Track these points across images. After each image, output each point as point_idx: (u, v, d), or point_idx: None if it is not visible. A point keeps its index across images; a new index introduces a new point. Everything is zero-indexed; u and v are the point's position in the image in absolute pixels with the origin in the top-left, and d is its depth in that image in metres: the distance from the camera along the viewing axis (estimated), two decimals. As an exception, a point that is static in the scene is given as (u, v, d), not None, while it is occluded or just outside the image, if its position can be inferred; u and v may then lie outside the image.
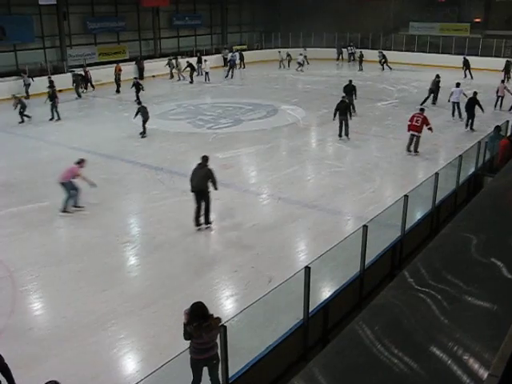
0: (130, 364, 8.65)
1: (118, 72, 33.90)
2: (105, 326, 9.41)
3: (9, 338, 9.16)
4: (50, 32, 37.30)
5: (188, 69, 37.31)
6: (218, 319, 6.90)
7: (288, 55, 43.93)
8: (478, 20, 46.48)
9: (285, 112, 26.76)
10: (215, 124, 24.48)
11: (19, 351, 8.75)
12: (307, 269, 7.67)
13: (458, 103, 23.89)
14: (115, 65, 35.16)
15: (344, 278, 9.21)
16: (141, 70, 38.79)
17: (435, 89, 27.24)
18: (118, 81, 33.57)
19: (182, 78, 37.92)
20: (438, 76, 27.39)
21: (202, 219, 13.02)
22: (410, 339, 4.05)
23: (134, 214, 14.86)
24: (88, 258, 11.81)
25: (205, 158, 13.10)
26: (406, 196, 10.58)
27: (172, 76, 38.69)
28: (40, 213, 14.49)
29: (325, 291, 9.68)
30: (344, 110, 21.05)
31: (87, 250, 12.22)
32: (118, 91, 33.28)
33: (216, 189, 12.85)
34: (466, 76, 36.09)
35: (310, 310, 8.00)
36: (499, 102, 26.15)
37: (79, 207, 14.38)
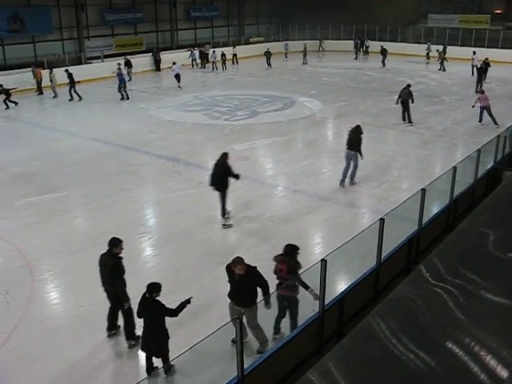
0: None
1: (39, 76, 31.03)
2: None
3: (26, 326, 9.26)
4: (68, 24, 37.55)
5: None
6: (298, 264, 8.10)
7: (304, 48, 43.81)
8: (498, 11, 45.77)
9: (302, 104, 26.67)
10: (232, 116, 24.47)
11: (36, 340, 8.87)
12: (323, 261, 7.64)
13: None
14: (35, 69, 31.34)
15: (360, 271, 9.18)
16: (157, 61, 38.92)
17: (405, 99, 22.25)
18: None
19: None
20: (408, 86, 22.66)
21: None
22: (426, 334, 4.02)
23: (150, 204, 14.91)
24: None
25: (223, 156, 13.17)
26: (423, 190, 10.50)
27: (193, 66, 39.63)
28: (57, 203, 14.60)
29: (340, 284, 9.66)
30: (406, 96, 21.85)
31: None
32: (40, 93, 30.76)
33: (237, 178, 13.01)
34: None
35: (326, 303, 7.98)
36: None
37: None
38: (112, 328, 9.07)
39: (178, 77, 31.74)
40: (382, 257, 9.30)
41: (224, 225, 13.00)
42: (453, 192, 12.12)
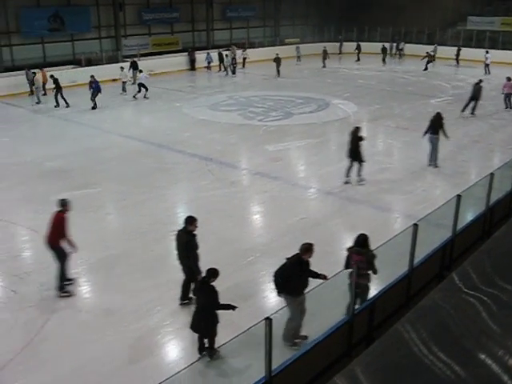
0: (174, 351, 8.78)
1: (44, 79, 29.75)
2: (150, 312, 9.57)
3: (59, 319, 9.43)
4: (106, 22, 38.09)
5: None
6: (372, 255, 8.40)
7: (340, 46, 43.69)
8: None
9: (336, 106, 26.55)
10: (266, 116, 24.49)
11: (68, 333, 9.03)
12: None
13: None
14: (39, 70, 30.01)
15: (391, 276, 9.09)
16: (192, 61, 39.19)
17: (476, 95, 23.73)
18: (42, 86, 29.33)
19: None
20: (480, 81, 24.16)
21: None
22: (458, 344, 3.94)
23: (182, 203, 15.01)
24: (136, 245, 12.00)
25: (356, 129, 15.47)
26: (458, 196, 10.34)
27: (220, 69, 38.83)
28: (91, 199, 14.80)
29: (371, 288, 9.58)
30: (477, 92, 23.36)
31: (135, 237, 12.42)
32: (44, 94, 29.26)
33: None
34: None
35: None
36: None
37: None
38: (184, 298, 9.68)
39: (142, 86, 28.63)
40: (415, 262, 9.20)
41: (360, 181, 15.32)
42: (489, 199, 11.91)
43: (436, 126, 16.93)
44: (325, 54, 40.42)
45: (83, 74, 32.22)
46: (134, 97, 28.81)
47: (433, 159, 17.10)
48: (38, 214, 13.79)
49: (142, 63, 34.70)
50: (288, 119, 24.07)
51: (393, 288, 8.82)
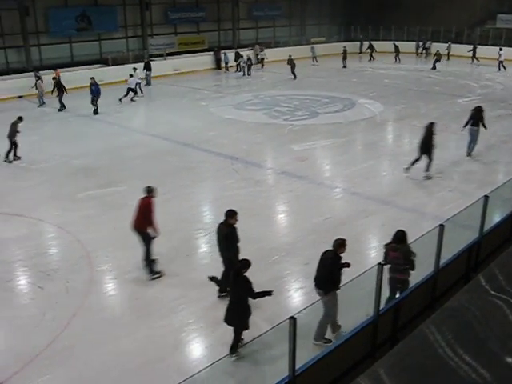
0: (198, 349, 8.83)
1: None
2: (175, 309, 9.63)
3: (84, 315, 9.54)
4: (132, 22, 38.43)
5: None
6: (408, 251, 8.52)
7: (370, 46, 43.41)
8: None
9: (362, 106, 26.40)
10: (291, 116, 24.45)
11: (93, 329, 9.13)
12: (380, 266, 7.55)
13: None
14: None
15: (417, 277, 9.02)
16: (218, 60, 39.29)
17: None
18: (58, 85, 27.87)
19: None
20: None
21: None
22: (483, 347, 3.90)
23: (207, 201, 15.08)
24: (161, 243, 12.02)
25: (431, 125, 15.34)
26: (486, 196, 10.20)
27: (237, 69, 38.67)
28: (117, 197, 14.95)
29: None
30: None
31: (161, 236, 12.46)
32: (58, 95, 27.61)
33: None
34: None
35: (381, 308, 7.88)
36: None
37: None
38: (223, 290, 9.77)
39: (132, 90, 27.77)
40: (441, 263, 9.11)
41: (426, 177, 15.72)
42: (517, 200, 11.76)
43: (477, 118, 17.49)
44: (345, 54, 39.95)
45: (110, 73, 32.65)
46: (131, 99, 27.91)
47: (470, 149, 17.90)
48: (64, 211, 13.99)
49: (168, 62, 34.96)
50: (314, 118, 24.00)
51: (418, 289, 8.75)
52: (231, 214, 9.79)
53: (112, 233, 12.75)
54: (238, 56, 38.27)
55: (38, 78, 28.78)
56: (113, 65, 34.51)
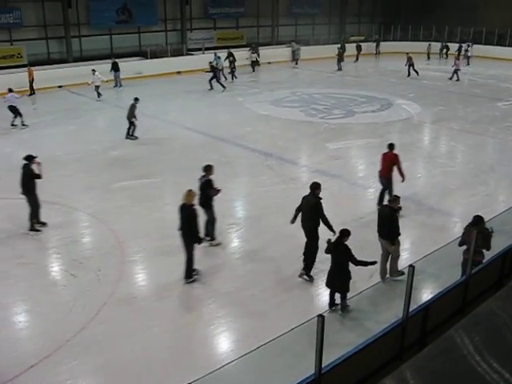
0: (225, 343, 8.86)
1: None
2: (205, 302, 9.71)
3: (115, 304, 9.68)
4: (172, 16, 38.73)
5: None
6: (489, 233, 9.14)
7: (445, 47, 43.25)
8: None
9: (399, 106, 26.13)
10: (328, 114, 24.35)
11: (123, 318, 9.26)
12: (411, 267, 7.49)
13: None
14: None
15: (448, 280, 8.92)
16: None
17: None
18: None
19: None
20: None
21: None
22: (513, 354, 3.85)
23: (240, 197, 15.11)
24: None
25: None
26: (521, 202, 10.05)
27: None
28: (151, 188, 15.11)
29: (426, 292, 9.45)
30: None
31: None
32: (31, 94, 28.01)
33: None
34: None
35: (410, 310, 7.82)
36: None
37: None
38: (309, 268, 10.57)
39: (13, 109, 21.58)
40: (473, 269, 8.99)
41: None
42: (554, 206, 11.51)
43: None
44: (341, 56, 37.90)
45: (148, 65, 32.95)
46: (12, 124, 21.91)
47: None
48: (99, 201, 14.19)
49: (206, 56, 34.94)
50: (350, 118, 23.85)
51: (449, 293, 8.64)
52: (317, 186, 10.39)
53: (144, 224, 12.89)
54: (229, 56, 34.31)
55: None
56: (151, 58, 34.83)
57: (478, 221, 9.29)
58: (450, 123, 22.42)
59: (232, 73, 32.78)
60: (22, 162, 12.42)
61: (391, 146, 13.44)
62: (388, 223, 9.96)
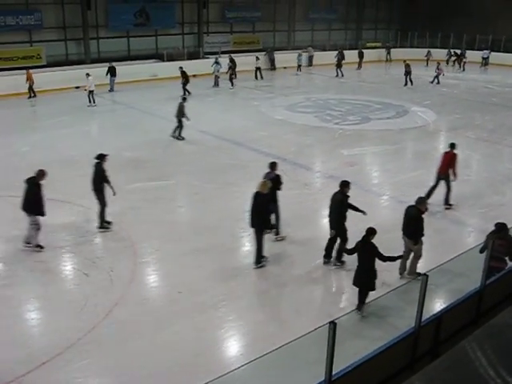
0: (235, 346, 8.85)
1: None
2: (216, 306, 9.68)
3: (126, 305, 9.70)
4: (189, 19, 38.99)
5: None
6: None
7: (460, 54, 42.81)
8: None
9: (415, 114, 26.03)
10: (343, 120, 24.30)
11: (134, 319, 9.28)
12: (425, 276, 7.44)
13: None
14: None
15: (462, 290, 8.84)
16: (272, 60, 39.39)
17: None
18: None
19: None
20: None
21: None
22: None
23: (253, 201, 15.07)
24: (206, 239, 12.17)
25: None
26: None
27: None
28: (164, 191, 15.17)
29: (439, 302, 9.38)
30: None
31: (206, 231, 12.60)
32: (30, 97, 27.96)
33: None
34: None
35: (423, 320, 7.76)
36: None
37: None
38: (327, 256, 11.07)
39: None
40: (488, 279, 8.91)
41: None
42: None
43: None
44: (339, 62, 37.49)
45: (165, 68, 33.09)
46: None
47: None
48: (112, 201, 14.21)
49: (223, 60, 34.96)
50: (365, 124, 23.79)
51: (463, 303, 8.56)
52: (346, 184, 10.73)
53: (157, 226, 12.93)
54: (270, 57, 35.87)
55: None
56: (168, 60, 34.96)
57: (500, 228, 9.37)
58: (466, 131, 22.30)
59: (230, 80, 31.91)
60: (94, 161, 12.76)
61: (452, 146, 14.12)
62: (413, 223, 10.34)
